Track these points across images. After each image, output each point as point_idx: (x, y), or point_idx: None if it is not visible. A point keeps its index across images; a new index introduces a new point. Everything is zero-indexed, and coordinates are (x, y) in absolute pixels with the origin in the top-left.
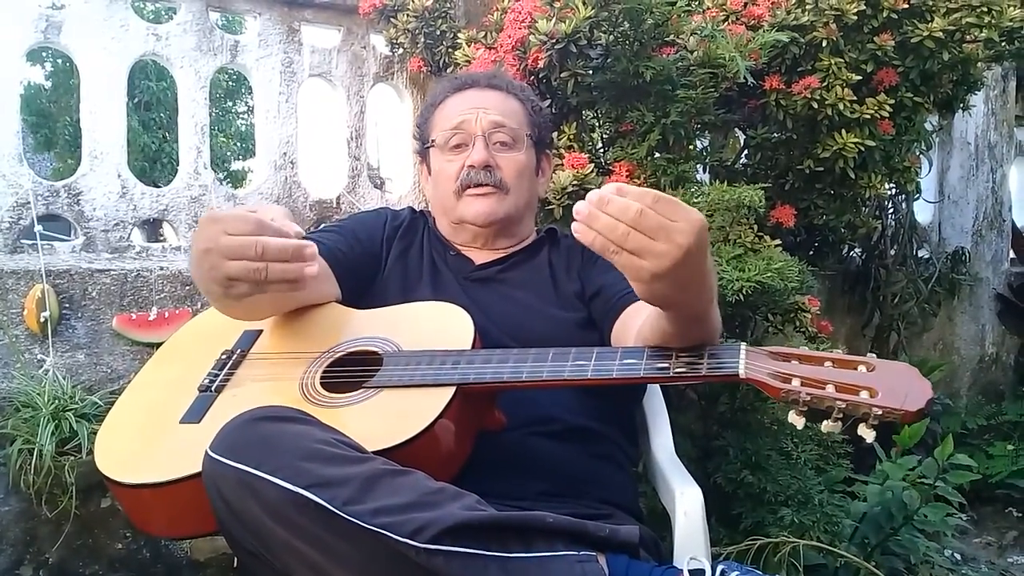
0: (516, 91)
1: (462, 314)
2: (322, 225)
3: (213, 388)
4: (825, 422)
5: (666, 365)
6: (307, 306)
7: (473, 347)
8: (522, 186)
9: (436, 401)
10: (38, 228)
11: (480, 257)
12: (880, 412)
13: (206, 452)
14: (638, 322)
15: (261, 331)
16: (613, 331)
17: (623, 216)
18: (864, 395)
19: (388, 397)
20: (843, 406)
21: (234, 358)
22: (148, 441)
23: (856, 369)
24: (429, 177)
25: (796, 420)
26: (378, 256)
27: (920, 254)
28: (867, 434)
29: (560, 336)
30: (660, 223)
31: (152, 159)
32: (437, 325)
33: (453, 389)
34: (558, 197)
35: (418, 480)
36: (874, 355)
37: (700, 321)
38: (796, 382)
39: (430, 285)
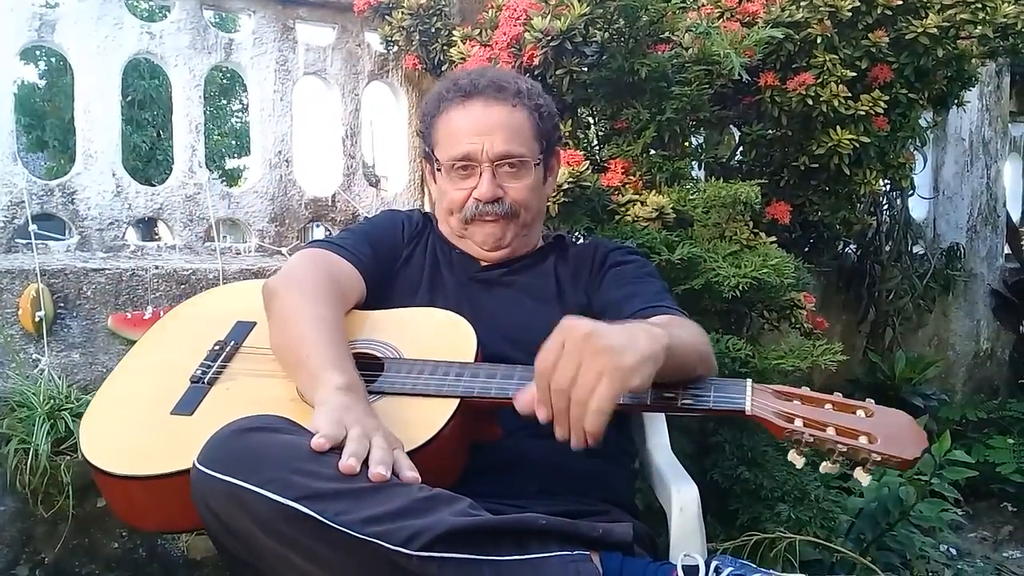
0: (523, 99)
1: (466, 326)
2: (342, 231)
3: (206, 380)
4: (824, 463)
5: (673, 395)
6: None
7: (476, 360)
8: (531, 205)
9: (440, 413)
10: (33, 227)
11: (486, 259)
12: (879, 459)
13: (194, 464)
14: None
15: (255, 323)
16: None
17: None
18: (863, 440)
19: (390, 404)
20: (844, 450)
21: (227, 350)
22: (139, 431)
23: (855, 413)
24: (435, 182)
25: (796, 459)
26: (396, 261)
27: (915, 250)
28: (863, 478)
29: None
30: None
31: (146, 158)
32: (440, 334)
33: (457, 402)
34: (554, 195)
35: (409, 487)
36: (871, 400)
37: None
38: (799, 422)
39: (428, 290)
